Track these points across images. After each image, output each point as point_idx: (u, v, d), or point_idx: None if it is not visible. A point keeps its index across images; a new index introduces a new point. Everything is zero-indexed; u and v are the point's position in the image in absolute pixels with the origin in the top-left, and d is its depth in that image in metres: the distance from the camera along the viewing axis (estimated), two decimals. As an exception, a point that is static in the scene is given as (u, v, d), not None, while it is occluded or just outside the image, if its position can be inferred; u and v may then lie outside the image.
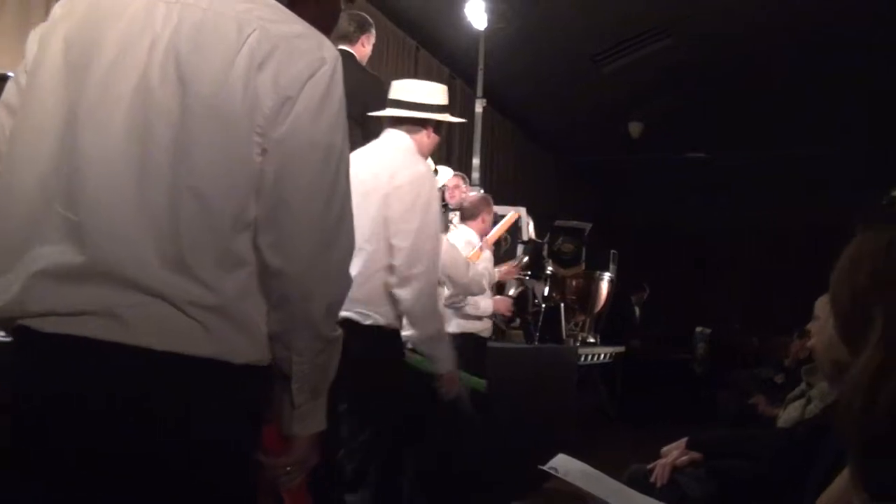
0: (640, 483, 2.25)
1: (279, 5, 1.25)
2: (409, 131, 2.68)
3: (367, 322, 2.50)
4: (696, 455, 2.31)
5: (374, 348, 2.47)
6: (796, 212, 11.49)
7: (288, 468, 1.28)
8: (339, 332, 1.27)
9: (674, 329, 10.18)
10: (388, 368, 2.57)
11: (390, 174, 2.56)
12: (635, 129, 11.43)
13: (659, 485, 2.27)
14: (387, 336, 2.59)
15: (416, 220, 2.54)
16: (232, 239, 1.14)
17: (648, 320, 9.59)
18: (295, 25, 1.22)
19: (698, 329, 10.02)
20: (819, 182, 10.50)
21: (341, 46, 4.06)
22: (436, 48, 8.45)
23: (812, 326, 1.68)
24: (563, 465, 1.97)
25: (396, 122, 2.70)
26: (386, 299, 2.55)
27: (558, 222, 6.72)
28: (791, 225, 11.86)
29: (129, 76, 1.14)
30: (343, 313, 1.42)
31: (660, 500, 1.92)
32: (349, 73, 4.30)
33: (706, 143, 11.16)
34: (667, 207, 11.85)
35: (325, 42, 1.25)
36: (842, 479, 1.52)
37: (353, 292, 1.35)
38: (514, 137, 10.78)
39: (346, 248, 1.24)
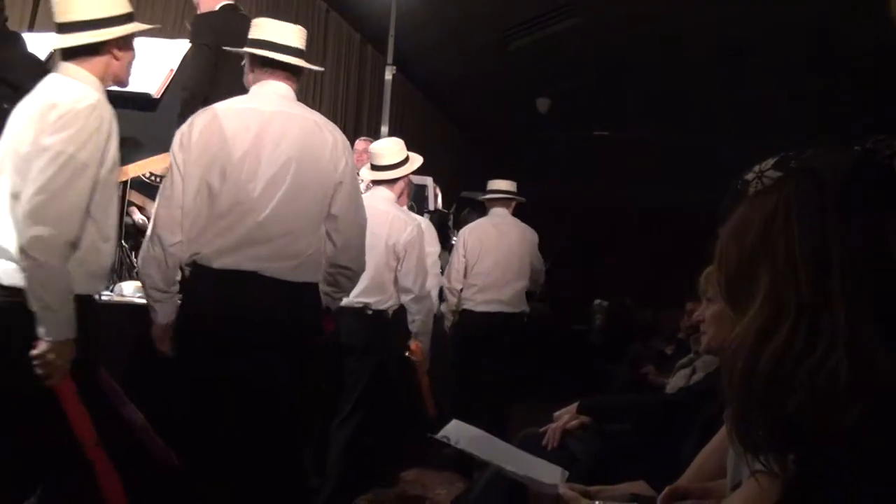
0: (533, 446, 2.31)
1: None
2: None
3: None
4: (585, 419, 2.39)
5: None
6: (693, 192, 11.92)
7: None
8: None
9: (573, 302, 10.44)
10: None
11: None
12: (543, 104, 11.57)
13: (550, 447, 2.34)
14: None
15: None
16: None
17: (549, 292, 9.78)
18: None
19: (597, 301, 10.31)
20: (716, 166, 10.90)
21: (228, 2, 3.90)
22: (347, 12, 8.29)
23: (694, 304, 1.76)
24: (456, 432, 1.99)
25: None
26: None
27: (464, 193, 6.76)
28: (689, 204, 12.31)
29: None
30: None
31: (550, 461, 1.98)
32: (243, 24, 4.00)
33: (611, 121, 11.43)
34: (570, 183, 12.09)
35: None
36: (718, 438, 1.61)
37: None
38: (423, 107, 10.75)
39: None
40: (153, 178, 4.69)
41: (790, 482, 0.79)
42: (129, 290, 3.37)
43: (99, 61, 2.11)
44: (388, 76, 7.51)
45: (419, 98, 10.56)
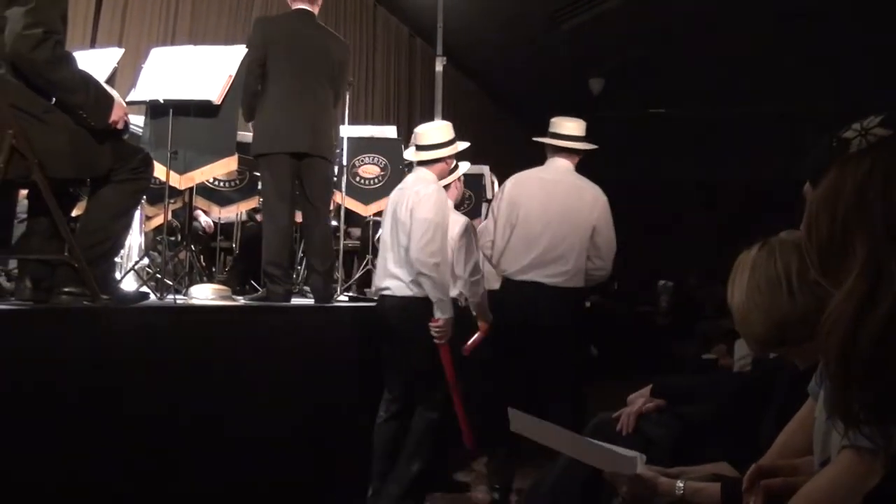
0: (606, 431, 2.28)
1: None
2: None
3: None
4: (660, 401, 2.35)
5: None
6: (754, 163, 11.64)
7: None
8: None
9: (637, 283, 10.28)
10: None
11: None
12: (596, 85, 11.41)
13: (625, 433, 2.30)
14: None
15: None
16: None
17: (614, 277, 9.68)
18: None
19: (661, 282, 10.14)
20: (776, 138, 10.62)
21: (301, 6, 3.95)
22: (394, 5, 8.32)
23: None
24: (526, 423, 1.96)
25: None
26: None
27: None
28: (750, 179, 12.02)
29: None
30: None
31: (626, 446, 1.95)
32: (319, 34, 4.32)
33: (667, 98, 11.21)
34: (628, 163, 11.91)
35: None
36: (803, 413, 1.56)
37: None
38: (476, 95, 10.72)
39: None
40: (217, 182, 4.79)
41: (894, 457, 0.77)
42: (202, 294, 3.45)
43: (437, 166, 3.62)
44: (439, 67, 7.51)
45: (471, 87, 10.54)
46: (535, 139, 3.99)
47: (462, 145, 3.75)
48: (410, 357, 3.50)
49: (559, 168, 3.84)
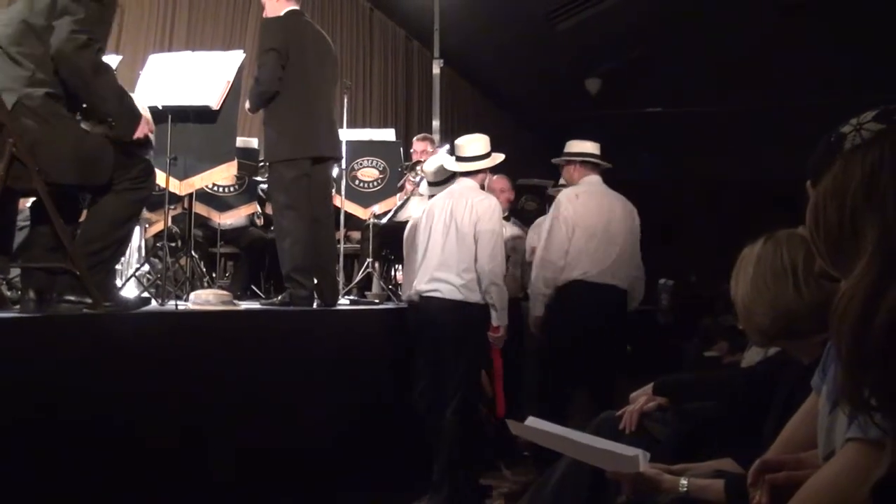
0: (610, 429, 2.29)
1: None
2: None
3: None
4: (662, 400, 2.35)
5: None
6: (756, 165, 11.63)
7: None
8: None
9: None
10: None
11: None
12: (593, 85, 11.41)
13: (628, 432, 2.30)
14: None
15: None
16: None
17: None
18: None
19: (661, 281, 10.11)
20: (777, 136, 10.61)
21: (295, 6, 3.96)
22: (390, 9, 8.32)
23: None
24: (530, 427, 1.96)
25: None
26: None
27: (521, 180, 6.71)
28: (751, 177, 12.03)
29: None
30: None
31: (629, 445, 1.95)
32: (323, 34, 4.19)
33: (664, 97, 11.21)
34: (626, 162, 11.89)
35: None
36: (806, 408, 1.57)
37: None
38: (473, 98, 10.72)
39: None
40: (216, 188, 4.80)
41: None
42: (204, 299, 3.45)
43: (479, 176, 3.87)
44: (436, 70, 7.53)
45: (469, 90, 10.54)
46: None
47: (498, 157, 3.92)
48: (460, 356, 3.64)
49: (594, 182, 4.30)
